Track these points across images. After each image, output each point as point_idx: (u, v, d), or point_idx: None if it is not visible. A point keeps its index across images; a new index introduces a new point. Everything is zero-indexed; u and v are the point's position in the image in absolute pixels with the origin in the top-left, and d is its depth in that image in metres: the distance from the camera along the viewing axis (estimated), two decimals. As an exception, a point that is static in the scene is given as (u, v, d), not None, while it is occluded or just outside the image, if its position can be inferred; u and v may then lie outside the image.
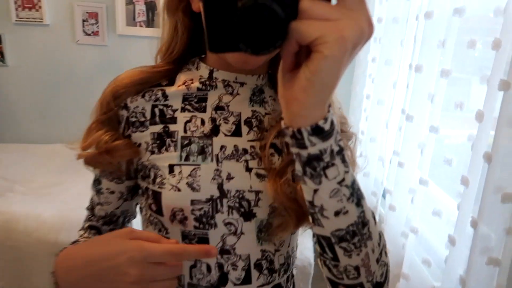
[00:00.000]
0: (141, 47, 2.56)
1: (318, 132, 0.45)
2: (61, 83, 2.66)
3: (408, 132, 1.52)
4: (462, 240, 1.18)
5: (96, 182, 0.74)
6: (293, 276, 0.77)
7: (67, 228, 1.76)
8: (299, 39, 0.40)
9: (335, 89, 0.44)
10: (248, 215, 0.64)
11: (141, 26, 2.56)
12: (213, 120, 0.66)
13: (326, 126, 0.45)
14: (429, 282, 1.43)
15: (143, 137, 0.67)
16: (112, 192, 0.72)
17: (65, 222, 1.78)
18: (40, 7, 2.53)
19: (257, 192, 0.63)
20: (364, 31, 0.40)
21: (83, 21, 2.56)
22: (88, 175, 2.00)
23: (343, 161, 0.47)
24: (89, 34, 2.58)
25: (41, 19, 2.55)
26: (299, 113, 0.44)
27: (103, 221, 0.75)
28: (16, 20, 2.54)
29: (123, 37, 2.58)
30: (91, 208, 0.77)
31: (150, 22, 2.55)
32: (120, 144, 0.65)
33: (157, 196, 0.64)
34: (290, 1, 0.40)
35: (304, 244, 2.01)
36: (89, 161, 0.68)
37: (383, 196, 1.91)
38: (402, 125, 1.60)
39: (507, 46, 1.03)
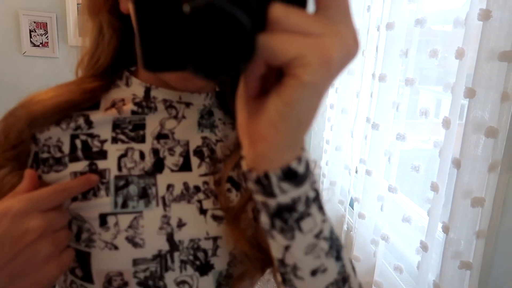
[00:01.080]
0: (95, 58, 2.45)
1: (291, 176, 0.34)
2: (6, 98, 2.48)
3: (374, 140, 1.54)
4: (433, 245, 1.19)
5: None
6: None
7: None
8: (269, 59, 0.29)
9: (311, 123, 0.32)
10: (204, 268, 0.52)
11: (94, 36, 2.45)
12: (155, 152, 0.53)
13: (301, 169, 0.35)
14: (402, 289, 1.44)
15: (60, 178, 0.51)
16: None
17: None
18: (-19, 16, 2.36)
19: (215, 239, 0.52)
20: (351, 51, 0.30)
21: (30, 31, 2.41)
22: None
23: (320, 208, 0.38)
24: (38, 46, 2.43)
25: (-17, 29, 2.37)
26: (266, 154, 0.33)
27: None
28: (-46, 30, 2.35)
29: (75, 48, 2.45)
30: None
31: (104, 33, 2.46)
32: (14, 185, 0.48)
33: (83, 258, 0.49)
34: (257, 6, 0.28)
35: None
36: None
37: (350, 204, 1.92)
38: (367, 133, 1.62)
39: (469, 54, 1.06)
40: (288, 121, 0.31)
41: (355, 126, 1.80)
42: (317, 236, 0.38)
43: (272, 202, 0.35)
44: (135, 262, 0.49)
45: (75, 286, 0.52)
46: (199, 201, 0.53)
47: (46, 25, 2.42)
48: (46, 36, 2.44)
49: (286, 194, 0.35)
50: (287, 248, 0.38)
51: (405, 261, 1.46)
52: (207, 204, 0.53)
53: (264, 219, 0.37)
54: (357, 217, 1.66)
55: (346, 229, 1.93)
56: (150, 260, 0.50)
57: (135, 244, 0.49)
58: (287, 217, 0.36)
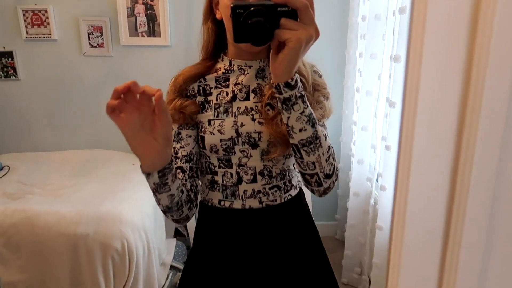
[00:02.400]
0: (144, 56, 2.72)
1: (288, 85, 0.83)
2: (69, 94, 2.82)
3: (392, 118, 1.66)
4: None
5: (177, 134, 1.02)
6: (301, 189, 1.09)
7: (84, 222, 1.91)
8: (279, 39, 0.78)
9: (297, 64, 0.83)
10: (254, 146, 0.98)
11: (143, 36, 2.72)
12: (233, 91, 1.00)
13: (292, 82, 0.83)
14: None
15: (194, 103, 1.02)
16: (190, 136, 1.02)
17: (82, 216, 1.93)
18: (48, 23, 2.70)
19: (259, 133, 0.97)
20: (312, 35, 0.78)
21: (89, 34, 2.72)
22: (96, 178, 2.24)
23: (303, 101, 0.85)
24: (95, 46, 2.75)
25: (50, 34, 2.72)
26: (278, 75, 0.82)
27: (185, 159, 1.01)
28: (26, 37, 2.71)
29: (127, 47, 2.74)
30: (175, 153, 1.01)
31: (151, 32, 2.72)
32: (189, 103, 0.99)
33: (203, 139, 1.00)
34: (274, 20, 0.77)
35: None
36: (172, 116, 0.95)
37: (377, 181, 2.05)
38: (387, 112, 1.75)
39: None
40: (285, 61, 0.79)
41: (378, 106, 1.93)
42: (301, 113, 0.85)
43: (281, 96, 0.84)
44: (221, 140, 0.98)
45: (200, 151, 1.02)
46: (252, 115, 0.98)
47: (102, 28, 2.72)
48: (102, 37, 2.74)
49: (286, 92, 0.83)
50: (288, 118, 0.85)
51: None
52: (256, 116, 0.98)
53: (279, 105, 0.85)
54: (380, 190, 1.79)
55: (373, 203, 2.06)
56: (227, 140, 0.98)
57: (221, 133, 0.98)
58: (288, 103, 0.84)
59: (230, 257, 1.03)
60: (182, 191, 0.93)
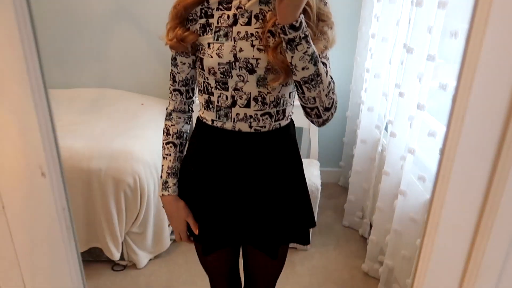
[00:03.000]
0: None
1: (293, 26, 0.87)
2: (78, 32, 2.76)
3: (409, 64, 1.65)
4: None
5: (174, 59, 1.09)
6: (291, 121, 1.14)
7: (96, 157, 1.95)
8: None
9: (302, 7, 0.86)
10: (251, 71, 1.01)
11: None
12: (234, 15, 1.00)
13: (297, 24, 0.87)
14: (423, 195, 1.61)
15: (196, 26, 1.04)
16: (184, 63, 1.09)
17: (95, 152, 1.97)
18: (53, -47, 2.59)
19: (257, 59, 0.99)
20: None
21: (96, -33, 2.62)
22: (106, 116, 2.26)
23: (307, 42, 0.89)
24: (102, -19, 2.65)
25: (55, -35, 2.62)
26: (284, 17, 0.87)
27: (181, 84, 1.12)
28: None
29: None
30: (172, 78, 1.12)
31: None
32: (188, 33, 1.02)
33: (202, 60, 1.03)
34: None
35: (312, 173, 2.20)
36: (172, 46, 1.04)
37: (386, 129, 2.07)
38: (403, 59, 1.72)
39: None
40: (291, 5, 0.84)
41: (393, 53, 1.90)
42: (305, 53, 0.90)
43: (286, 37, 0.89)
44: (219, 63, 1.00)
45: (200, 72, 1.06)
46: (252, 41, 0.99)
47: (109, -40, 2.61)
48: (110, -29, 2.64)
49: (291, 34, 0.88)
50: (292, 57, 0.91)
51: (428, 171, 1.62)
52: (256, 42, 0.99)
53: (284, 45, 0.91)
54: (389, 137, 1.81)
55: (380, 150, 2.09)
56: (225, 64, 1.00)
57: (219, 56, 1.00)
58: (292, 43, 0.89)
59: (217, 171, 1.10)
60: (184, 143, 1.16)
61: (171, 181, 1.13)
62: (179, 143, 1.14)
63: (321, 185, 2.14)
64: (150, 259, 2.20)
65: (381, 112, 2.16)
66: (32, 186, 0.41)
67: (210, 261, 1.24)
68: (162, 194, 1.13)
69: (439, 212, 0.48)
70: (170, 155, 1.13)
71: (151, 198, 2.07)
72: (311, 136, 2.47)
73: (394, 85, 1.84)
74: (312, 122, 1.04)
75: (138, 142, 2.14)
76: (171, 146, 1.14)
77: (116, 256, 2.04)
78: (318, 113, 0.99)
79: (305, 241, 1.20)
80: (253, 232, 1.13)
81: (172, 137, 1.14)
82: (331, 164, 2.92)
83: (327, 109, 0.99)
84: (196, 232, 1.12)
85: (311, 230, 2.24)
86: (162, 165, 1.14)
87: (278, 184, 1.11)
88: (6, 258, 0.45)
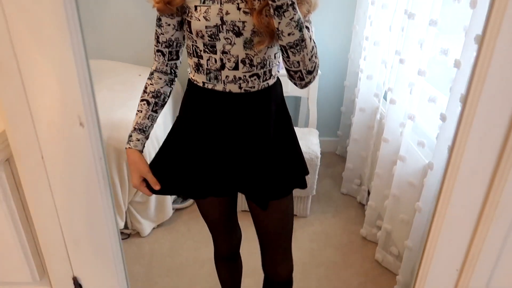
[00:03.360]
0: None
1: None
2: None
3: (410, 30, 1.65)
4: (452, 116, 1.37)
5: (158, 20, 1.11)
6: (278, 79, 1.19)
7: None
8: None
9: None
10: (238, 34, 1.03)
11: None
12: None
13: None
14: (422, 161, 1.65)
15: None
16: (169, 25, 1.10)
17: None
18: None
19: (243, 22, 1.02)
20: None
21: None
22: (106, 88, 2.28)
23: (293, 8, 0.91)
24: None
25: None
26: None
27: (165, 45, 1.14)
28: None
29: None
30: (156, 38, 1.14)
31: None
32: None
33: (189, 24, 1.05)
34: None
35: (311, 141, 2.23)
36: (159, 9, 1.06)
37: (384, 97, 2.09)
38: (404, 25, 1.73)
39: None
40: None
41: (394, 20, 1.90)
42: (291, 19, 0.92)
43: (273, 4, 0.90)
44: (206, 27, 1.02)
45: (188, 35, 1.08)
46: (238, 4, 1.01)
47: None
48: None
49: (279, 1, 0.89)
50: (279, 23, 0.93)
51: (427, 137, 1.65)
52: (242, 5, 1.01)
53: (271, 11, 0.92)
54: (389, 104, 1.83)
55: (379, 118, 2.12)
56: (212, 27, 1.02)
57: (206, 20, 1.02)
58: (279, 10, 0.91)
59: (210, 130, 1.13)
60: (162, 104, 1.19)
61: (135, 136, 1.16)
62: (153, 102, 1.17)
63: (320, 154, 2.17)
64: (154, 228, 2.24)
65: (380, 80, 2.18)
66: (71, 136, 0.43)
67: (206, 210, 1.31)
68: (125, 147, 1.17)
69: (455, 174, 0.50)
70: (141, 111, 1.17)
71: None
72: (309, 106, 2.48)
73: (395, 52, 1.85)
74: (295, 84, 1.09)
75: (138, 112, 2.14)
76: (144, 104, 1.17)
77: (120, 224, 2.09)
78: (301, 76, 1.04)
79: (302, 185, 1.25)
80: (245, 183, 1.18)
81: (148, 95, 1.17)
82: (329, 133, 2.95)
83: (309, 72, 1.04)
84: (156, 188, 1.16)
85: (310, 198, 2.30)
86: (133, 121, 1.18)
87: (269, 138, 1.15)
88: (44, 206, 0.47)
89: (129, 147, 1.16)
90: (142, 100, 1.17)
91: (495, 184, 0.54)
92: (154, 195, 2.17)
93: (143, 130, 1.16)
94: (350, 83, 2.61)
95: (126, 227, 2.17)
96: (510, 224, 0.56)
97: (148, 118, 1.16)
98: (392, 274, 1.95)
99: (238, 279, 1.57)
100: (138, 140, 1.16)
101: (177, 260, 2.04)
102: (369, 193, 2.21)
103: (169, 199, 2.27)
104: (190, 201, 2.44)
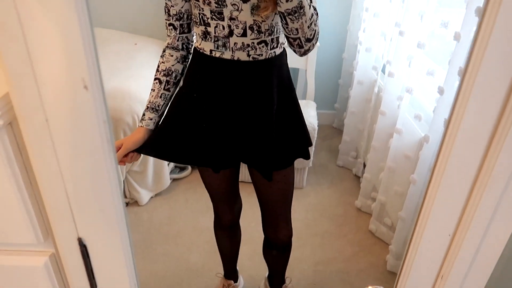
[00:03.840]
0: None
1: None
2: None
3: (410, 2, 1.63)
4: (449, 90, 1.37)
5: None
6: (284, 50, 1.17)
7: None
8: None
9: None
10: (245, 0, 1.01)
11: None
12: None
13: None
14: (418, 134, 1.67)
15: None
16: None
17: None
18: None
19: None
20: None
21: None
22: (101, 57, 2.23)
23: None
24: None
25: None
26: None
27: (175, 18, 1.13)
28: None
29: None
30: (167, 12, 1.13)
31: None
32: None
33: None
34: None
35: (309, 113, 2.24)
36: None
37: (383, 70, 2.08)
38: (405, -4, 1.70)
39: None
40: None
41: (395, -10, 1.87)
42: None
43: None
44: None
45: (195, 4, 1.06)
46: None
47: None
48: None
49: None
50: None
51: (424, 110, 1.66)
52: None
53: None
54: (387, 77, 1.83)
55: (376, 91, 2.12)
56: None
57: None
58: None
59: (218, 98, 1.13)
60: (175, 83, 1.18)
61: (148, 115, 1.16)
62: (165, 80, 1.16)
63: (317, 126, 2.18)
64: (152, 197, 2.27)
65: (378, 53, 2.17)
66: (75, 99, 0.43)
67: (210, 180, 1.33)
68: (138, 125, 1.17)
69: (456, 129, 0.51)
70: (154, 90, 1.17)
71: (150, 138, 2.10)
72: (307, 78, 2.47)
73: (394, 24, 1.83)
74: (294, 51, 1.10)
75: (135, 82, 2.13)
76: (156, 82, 1.16)
77: (118, 193, 2.11)
78: (300, 44, 1.05)
79: (306, 155, 1.27)
80: (250, 153, 1.19)
81: (159, 73, 1.17)
82: (326, 106, 2.95)
83: (308, 40, 1.04)
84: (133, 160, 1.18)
85: (306, 169, 2.33)
86: (147, 99, 1.18)
87: (274, 108, 1.15)
88: (49, 169, 0.48)
89: (141, 126, 1.15)
90: (155, 79, 1.17)
91: (489, 154, 0.56)
92: (152, 164, 2.19)
93: (155, 109, 1.16)
94: (349, 55, 2.59)
95: (124, 196, 2.20)
96: (502, 193, 0.57)
97: (160, 97, 1.16)
98: (384, 244, 2.00)
99: (236, 248, 1.61)
100: (151, 119, 1.16)
101: (175, 228, 2.08)
102: (364, 165, 2.24)
103: (166, 169, 2.29)
104: (187, 171, 2.46)
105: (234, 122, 1.14)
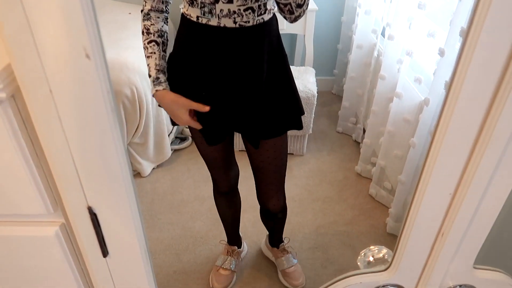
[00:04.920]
0: None
1: None
2: None
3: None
4: (450, 51, 1.36)
5: None
6: (274, 15, 1.15)
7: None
8: None
9: None
10: None
11: None
12: None
13: None
14: (418, 97, 1.67)
15: None
16: None
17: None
18: None
19: None
20: None
21: None
22: (104, 28, 2.16)
23: None
24: None
25: None
26: None
27: None
28: None
29: None
30: None
31: None
32: None
33: None
34: None
35: (308, 80, 2.22)
36: None
37: (382, 34, 2.05)
38: (405, -44, 1.66)
39: None
40: None
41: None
42: None
43: None
44: None
45: None
46: None
47: None
48: None
49: None
50: None
51: (424, 73, 1.65)
52: None
53: None
54: (387, 40, 1.80)
55: (376, 55, 2.10)
56: None
57: None
58: None
59: (205, 66, 1.13)
60: (164, 42, 1.14)
61: (163, 77, 1.13)
62: (161, 41, 1.13)
63: (317, 92, 2.17)
64: (154, 168, 2.29)
65: (378, 16, 2.13)
66: (78, 69, 0.43)
67: (204, 149, 1.35)
68: (156, 90, 1.12)
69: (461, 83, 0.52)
70: (154, 53, 1.12)
71: (150, 109, 2.09)
72: (306, 43, 2.44)
73: (394, -15, 1.79)
74: (285, 18, 1.08)
75: (132, 53, 2.10)
76: (154, 45, 1.13)
77: (120, 165, 2.13)
78: (291, 9, 1.03)
79: (298, 126, 1.27)
80: (239, 122, 1.20)
81: (153, 35, 1.13)
82: (325, 72, 2.93)
83: (299, 6, 1.03)
84: (206, 109, 1.11)
85: (306, 136, 2.34)
86: (148, 64, 1.13)
87: (263, 76, 1.15)
88: (56, 140, 0.48)
89: (163, 88, 1.11)
90: (150, 42, 1.12)
91: (490, 114, 0.56)
92: (152, 136, 2.19)
93: (163, 71, 1.13)
94: (348, 18, 2.55)
95: (126, 167, 2.21)
96: (502, 152, 0.58)
97: (162, 59, 1.13)
98: (384, 207, 2.04)
99: (236, 215, 1.64)
100: (166, 80, 1.13)
101: (178, 197, 2.11)
102: (364, 131, 2.25)
103: (167, 140, 2.29)
104: (188, 142, 2.47)
105: (224, 89, 1.14)
